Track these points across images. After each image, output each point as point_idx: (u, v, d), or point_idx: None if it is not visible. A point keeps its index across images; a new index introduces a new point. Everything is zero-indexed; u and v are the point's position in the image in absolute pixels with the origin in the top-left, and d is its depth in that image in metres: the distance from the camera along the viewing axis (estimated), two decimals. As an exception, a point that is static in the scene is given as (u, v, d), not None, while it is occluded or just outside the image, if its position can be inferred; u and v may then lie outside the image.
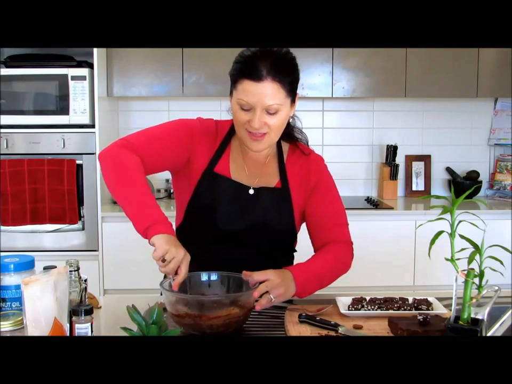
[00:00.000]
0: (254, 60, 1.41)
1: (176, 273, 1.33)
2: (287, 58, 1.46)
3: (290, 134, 1.63)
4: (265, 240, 1.57)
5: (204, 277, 1.44)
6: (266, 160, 1.61)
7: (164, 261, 1.30)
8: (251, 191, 1.56)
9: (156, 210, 1.39)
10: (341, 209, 1.62)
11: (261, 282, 1.36)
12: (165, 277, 1.42)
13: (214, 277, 1.44)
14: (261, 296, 1.36)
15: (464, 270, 1.07)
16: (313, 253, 1.59)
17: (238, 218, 1.54)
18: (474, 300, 1.08)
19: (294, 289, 1.41)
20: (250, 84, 1.40)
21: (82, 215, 2.96)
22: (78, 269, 1.36)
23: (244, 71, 1.42)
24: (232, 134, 1.60)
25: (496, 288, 1.09)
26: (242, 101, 1.42)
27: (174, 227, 1.41)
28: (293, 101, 1.49)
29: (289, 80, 1.43)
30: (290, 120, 1.60)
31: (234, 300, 1.33)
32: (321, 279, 1.48)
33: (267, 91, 1.40)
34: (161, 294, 1.38)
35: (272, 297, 1.36)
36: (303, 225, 1.65)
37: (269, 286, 1.36)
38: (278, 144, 1.62)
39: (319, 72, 3.18)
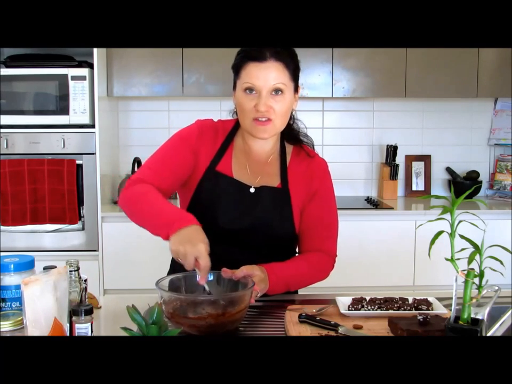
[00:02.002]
0: (257, 46, 1.45)
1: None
2: (287, 47, 1.50)
3: (295, 137, 1.64)
4: (266, 241, 1.57)
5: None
6: (268, 160, 1.61)
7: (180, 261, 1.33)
8: (252, 190, 1.57)
9: (167, 212, 1.40)
10: (334, 222, 1.64)
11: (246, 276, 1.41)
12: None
13: (209, 276, 1.44)
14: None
15: (464, 270, 1.07)
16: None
17: (239, 217, 1.55)
18: (474, 300, 1.08)
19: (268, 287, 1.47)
20: (254, 65, 1.45)
21: (82, 215, 2.96)
22: (78, 269, 1.36)
23: (248, 55, 1.47)
24: (234, 133, 1.61)
25: (496, 288, 1.09)
26: (248, 84, 1.46)
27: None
28: (295, 90, 1.52)
29: (292, 64, 1.48)
30: (293, 123, 1.61)
31: (244, 295, 1.35)
32: (289, 284, 1.54)
33: (271, 71, 1.45)
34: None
35: (258, 291, 1.41)
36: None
37: (257, 280, 1.41)
38: (282, 145, 1.63)
39: (319, 72, 3.18)
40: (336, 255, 1.64)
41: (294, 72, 1.50)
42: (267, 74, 1.44)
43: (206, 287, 1.36)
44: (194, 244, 1.31)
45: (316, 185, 1.61)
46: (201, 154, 1.57)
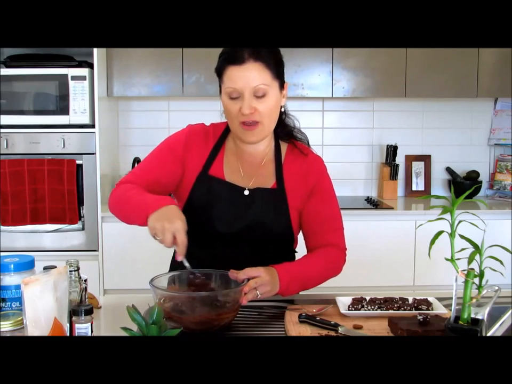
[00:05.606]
0: (235, 48, 1.44)
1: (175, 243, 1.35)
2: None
3: (290, 134, 1.63)
4: (262, 242, 1.56)
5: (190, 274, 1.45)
6: (262, 162, 1.59)
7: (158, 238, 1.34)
8: (246, 192, 1.56)
9: (147, 198, 1.43)
10: (338, 214, 1.62)
11: (249, 278, 1.39)
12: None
13: (199, 274, 1.46)
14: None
15: (464, 270, 1.07)
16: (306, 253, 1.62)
17: (234, 220, 1.54)
18: (474, 300, 1.08)
19: (278, 288, 1.44)
20: (234, 69, 1.43)
21: (82, 215, 2.96)
22: (78, 269, 1.36)
23: (227, 58, 1.45)
24: (226, 135, 1.60)
25: (496, 288, 1.09)
26: (230, 88, 1.44)
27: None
28: (281, 87, 1.50)
29: (272, 61, 1.45)
30: (286, 118, 1.59)
31: (234, 294, 1.36)
32: (305, 281, 1.52)
33: (251, 72, 1.42)
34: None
35: (258, 293, 1.39)
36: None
37: (258, 282, 1.39)
38: (277, 145, 1.61)
39: (319, 72, 3.18)
40: (345, 248, 1.62)
41: (277, 68, 1.46)
42: (247, 76, 1.42)
43: (186, 263, 1.39)
44: (171, 221, 1.33)
45: (312, 182, 1.59)
46: (191, 161, 1.57)
